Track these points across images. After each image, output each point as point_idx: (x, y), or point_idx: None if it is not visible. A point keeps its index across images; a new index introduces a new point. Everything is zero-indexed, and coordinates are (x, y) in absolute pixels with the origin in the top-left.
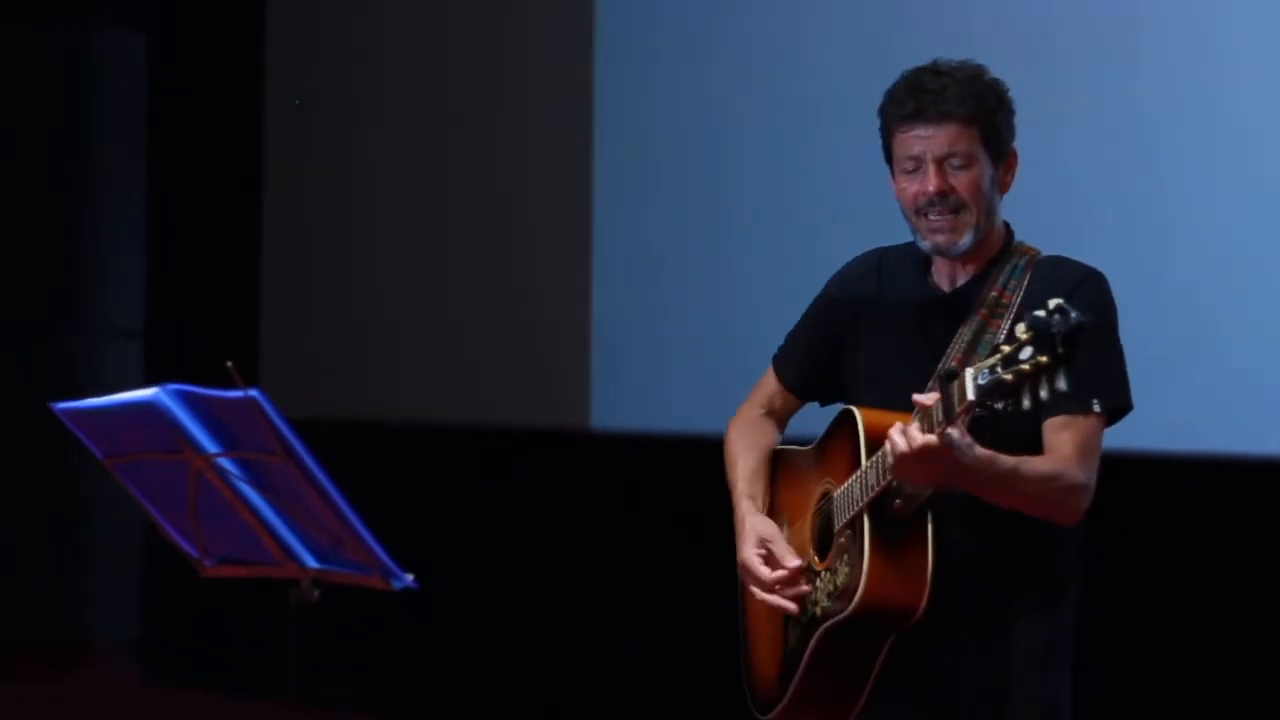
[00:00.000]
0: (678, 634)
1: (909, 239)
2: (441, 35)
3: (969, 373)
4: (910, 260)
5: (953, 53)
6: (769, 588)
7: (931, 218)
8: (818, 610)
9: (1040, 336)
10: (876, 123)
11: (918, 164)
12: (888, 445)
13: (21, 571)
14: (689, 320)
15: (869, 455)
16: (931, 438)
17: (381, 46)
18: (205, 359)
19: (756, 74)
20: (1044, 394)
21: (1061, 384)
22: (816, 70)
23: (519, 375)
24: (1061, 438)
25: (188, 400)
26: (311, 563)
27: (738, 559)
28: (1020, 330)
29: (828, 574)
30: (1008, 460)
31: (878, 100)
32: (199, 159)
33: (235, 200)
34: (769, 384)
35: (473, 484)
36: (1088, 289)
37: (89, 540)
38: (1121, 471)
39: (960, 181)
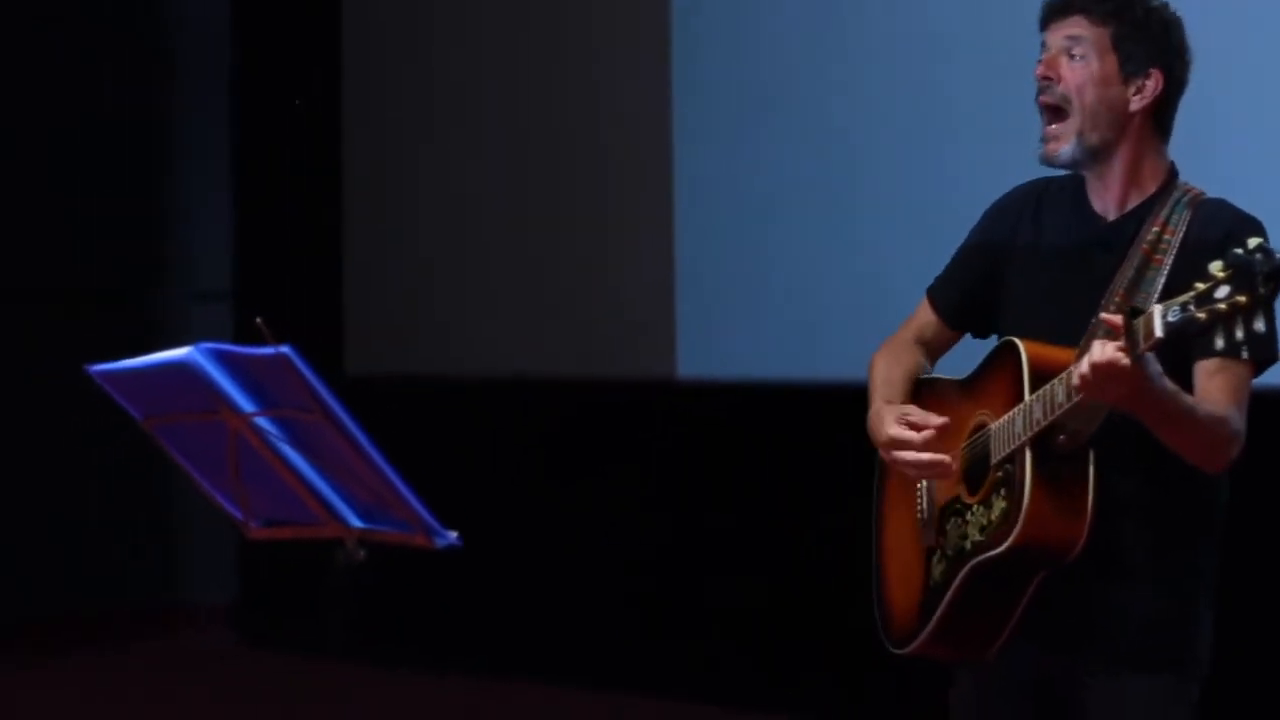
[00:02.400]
0: (768, 583)
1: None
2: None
3: (1157, 309)
4: (1071, 188)
5: None
6: (921, 446)
7: (1045, 129)
8: (967, 544)
9: (1240, 275)
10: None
11: (1045, 53)
12: (1073, 366)
13: (117, 537)
14: (773, 268)
15: (1033, 389)
16: (1124, 358)
17: (462, 5)
18: (293, 318)
19: (837, 16)
20: (1239, 334)
21: (1260, 325)
22: (909, 7)
23: (604, 327)
24: (1215, 382)
25: (222, 359)
26: (356, 522)
27: (879, 441)
28: (1216, 268)
29: (980, 508)
30: (1188, 397)
31: (982, 35)
32: (281, 119)
33: (318, 160)
34: (922, 314)
35: (558, 437)
36: (1248, 233)
37: (183, 504)
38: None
39: (1070, 73)
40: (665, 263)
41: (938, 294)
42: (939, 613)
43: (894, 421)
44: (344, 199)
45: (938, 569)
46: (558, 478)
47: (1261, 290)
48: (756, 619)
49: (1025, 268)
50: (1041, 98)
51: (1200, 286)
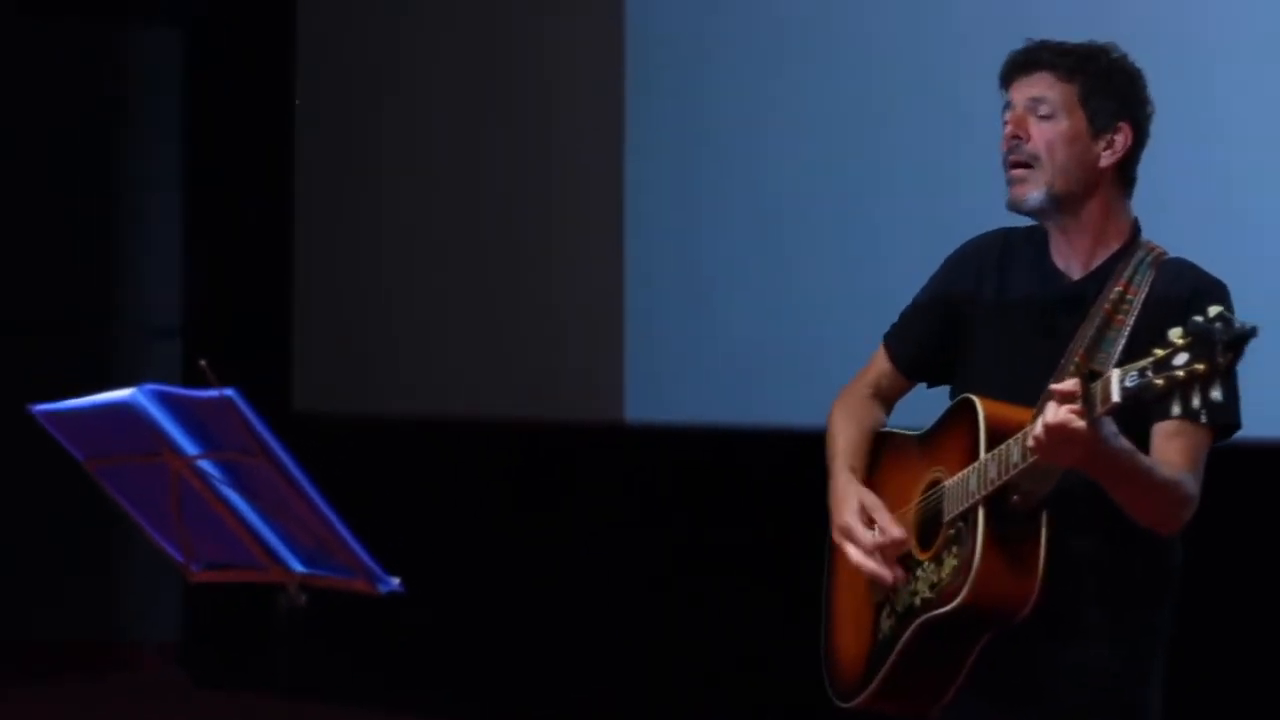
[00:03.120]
0: (711, 628)
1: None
2: (475, 30)
3: (1115, 374)
4: (1035, 242)
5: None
6: (869, 551)
7: (1010, 170)
8: (917, 600)
9: (1200, 343)
10: (922, 120)
11: (1010, 113)
12: (1029, 427)
13: (62, 571)
14: (722, 313)
15: (989, 447)
16: (1079, 420)
17: (415, 39)
18: (241, 355)
19: (791, 65)
20: (1196, 402)
21: (1216, 394)
22: (855, 59)
23: (552, 370)
24: (1173, 445)
25: (165, 400)
26: (297, 566)
27: (835, 524)
28: (1176, 335)
29: (931, 565)
30: (1144, 458)
31: (928, 93)
32: (233, 156)
33: (268, 197)
34: (878, 363)
35: (504, 479)
36: (1211, 299)
37: (128, 539)
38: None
39: (1040, 132)
40: (615, 306)
41: (895, 344)
42: (886, 668)
43: (855, 511)
44: (295, 236)
45: (886, 624)
46: (504, 520)
47: (1220, 360)
48: (702, 665)
49: (987, 323)
50: (1011, 157)
51: (1159, 353)
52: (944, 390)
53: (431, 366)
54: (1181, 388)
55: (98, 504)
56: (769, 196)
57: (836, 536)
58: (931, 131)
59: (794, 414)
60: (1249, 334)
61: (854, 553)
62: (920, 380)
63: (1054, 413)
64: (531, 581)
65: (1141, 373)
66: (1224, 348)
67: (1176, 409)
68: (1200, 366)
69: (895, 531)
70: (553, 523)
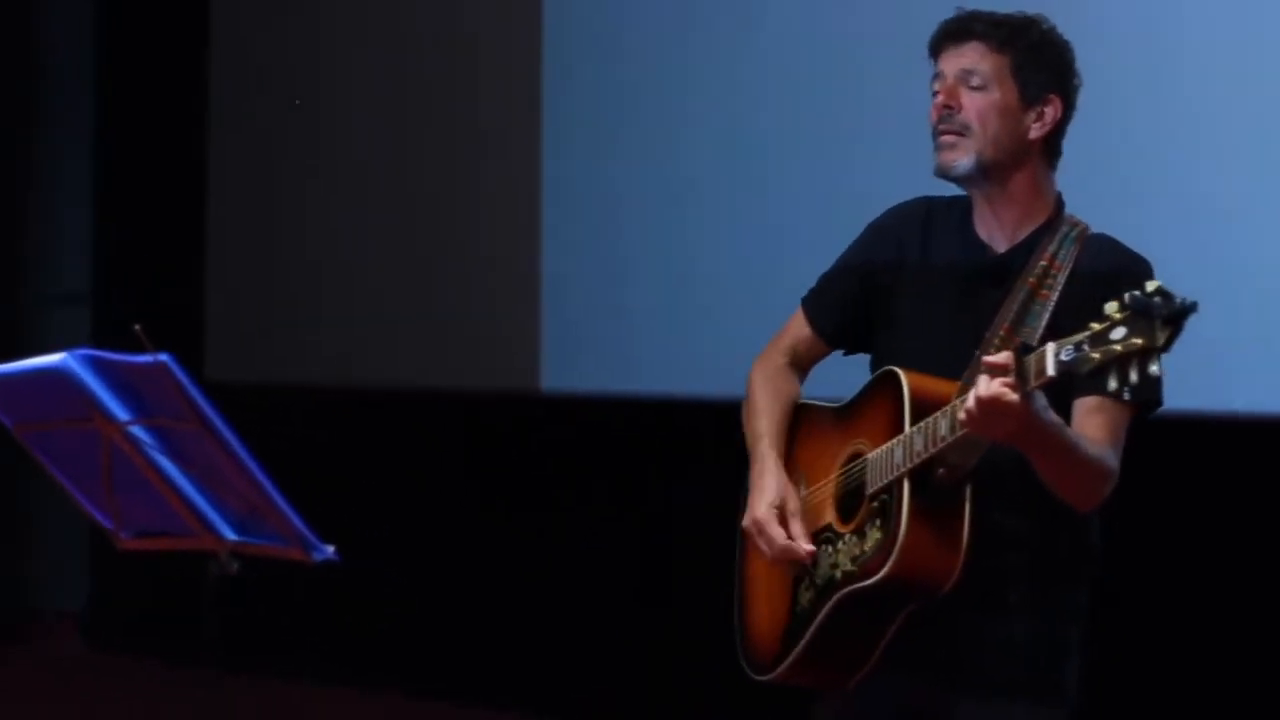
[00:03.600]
0: (629, 600)
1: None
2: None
3: (1050, 347)
4: (957, 212)
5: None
6: (779, 553)
7: (939, 138)
8: (838, 574)
9: (1138, 318)
10: (837, 90)
11: (941, 83)
12: (957, 399)
13: None
14: (637, 284)
15: (914, 420)
16: (1011, 394)
17: (334, 12)
18: (153, 321)
19: (712, 37)
20: (1134, 376)
21: (1155, 368)
22: (774, 33)
23: (469, 339)
24: (1095, 420)
25: (97, 366)
26: (229, 534)
27: (749, 514)
28: (1112, 309)
29: (853, 537)
30: (1071, 432)
31: (844, 65)
32: (146, 120)
33: (181, 162)
34: (797, 328)
35: (420, 448)
36: (1134, 277)
37: (34, 509)
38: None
39: (971, 101)
40: (532, 276)
41: (814, 310)
42: (804, 641)
43: (771, 506)
44: (208, 202)
45: (805, 596)
46: (419, 488)
47: (1160, 335)
48: (616, 635)
49: (909, 293)
50: (942, 126)
51: (1095, 326)
52: (843, 357)
53: (346, 336)
54: (1119, 362)
55: (3, 474)
56: (684, 169)
57: (748, 526)
58: (836, 107)
59: (705, 383)
60: (1189, 309)
61: (763, 546)
62: (839, 347)
63: (986, 386)
64: (447, 549)
65: (1078, 346)
66: (1163, 322)
67: (1112, 384)
68: (1139, 341)
69: (801, 550)
70: (468, 490)
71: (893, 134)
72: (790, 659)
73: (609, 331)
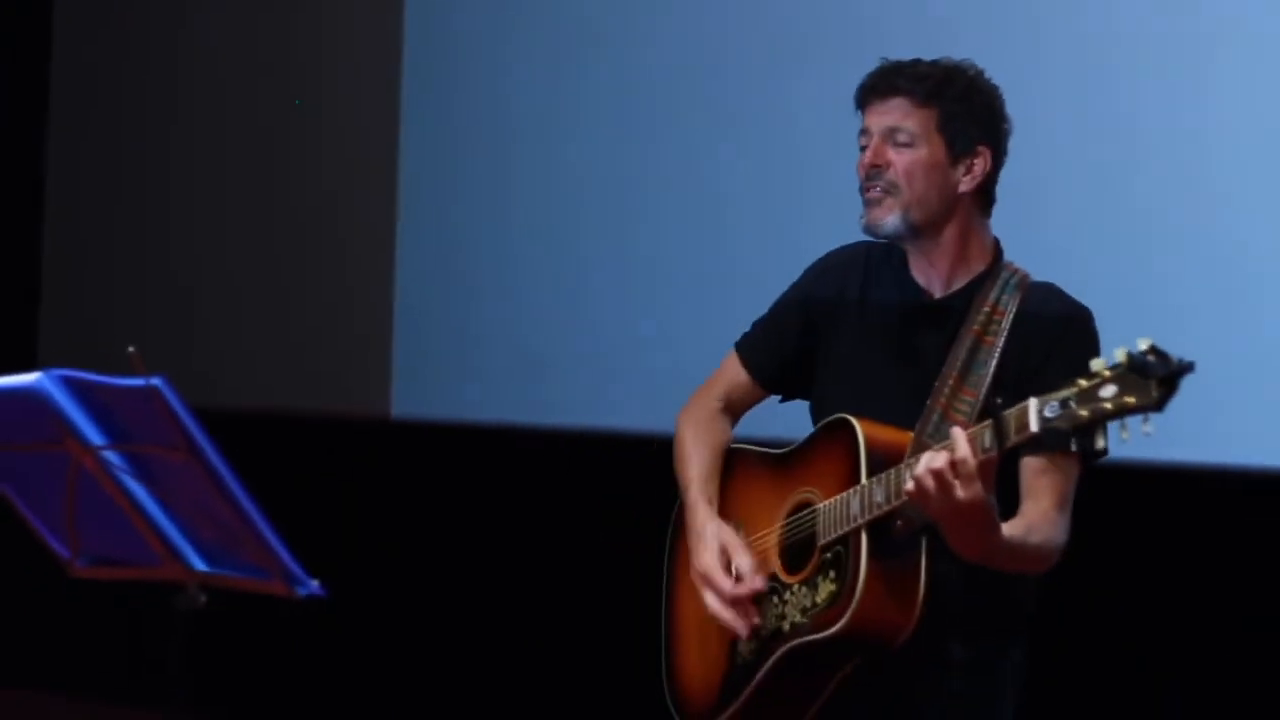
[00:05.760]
0: (478, 628)
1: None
2: (252, 17)
3: (1033, 403)
4: (896, 257)
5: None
6: (727, 601)
7: (867, 194)
8: (785, 625)
9: (1130, 376)
10: (699, 115)
11: (868, 139)
12: (921, 464)
13: None
14: (490, 313)
15: (870, 471)
16: (978, 490)
17: (189, 16)
18: None
19: (561, 68)
20: (1124, 436)
21: (1147, 428)
22: (630, 61)
23: (319, 363)
24: (1041, 483)
25: (74, 387)
26: (199, 565)
27: (694, 564)
28: (1099, 365)
29: (802, 588)
30: (1018, 534)
31: (695, 93)
32: None
33: (17, 170)
34: (731, 373)
35: (272, 472)
36: (1079, 325)
37: None
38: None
39: (899, 158)
40: (384, 302)
41: (749, 354)
42: (745, 694)
43: (715, 553)
44: (45, 220)
45: (746, 647)
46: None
47: (1155, 394)
48: (467, 666)
49: (848, 336)
50: (869, 183)
51: (1083, 384)
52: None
53: (194, 355)
54: (1108, 420)
55: None
56: (545, 196)
57: (695, 579)
58: (703, 125)
59: (564, 414)
60: (1185, 369)
61: (712, 600)
62: (776, 393)
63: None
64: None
65: (1064, 403)
66: (1159, 383)
67: (1100, 442)
68: (1131, 400)
69: (756, 582)
70: (314, 517)
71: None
72: (730, 710)
73: (462, 360)
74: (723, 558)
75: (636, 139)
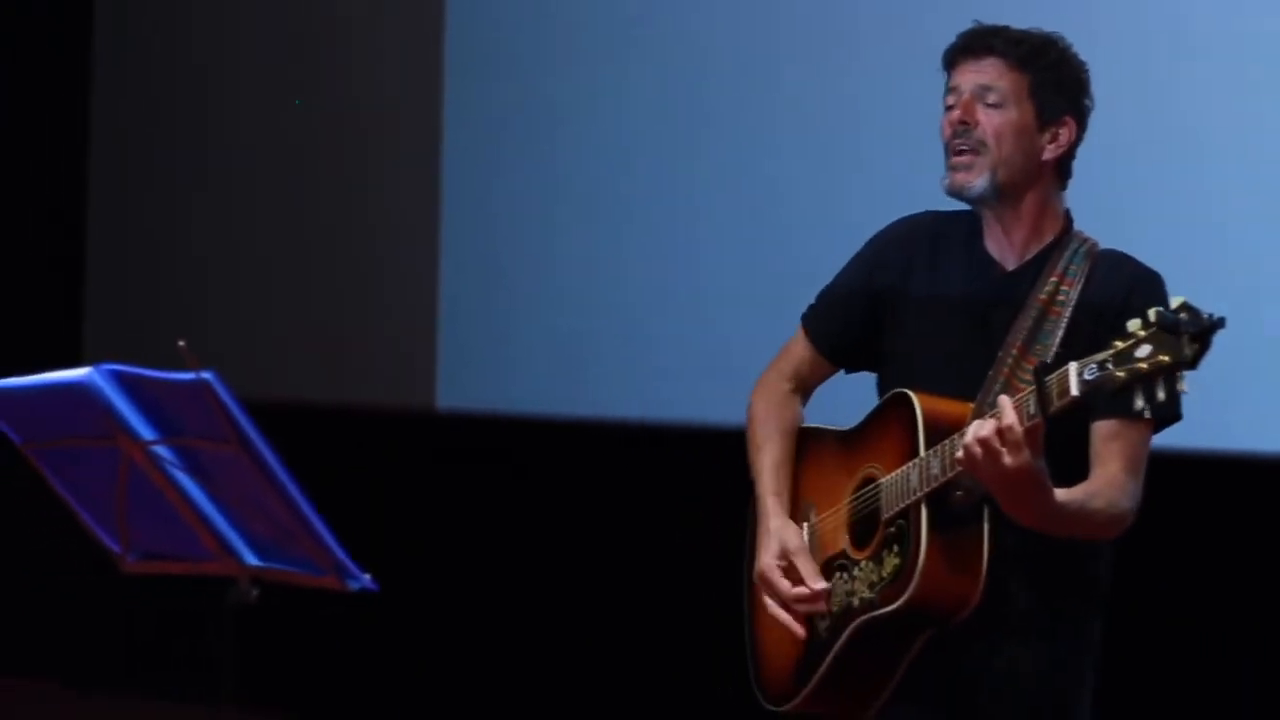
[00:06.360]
0: (529, 619)
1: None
2: (296, 4)
3: (1072, 366)
4: (965, 230)
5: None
6: (785, 603)
7: (953, 156)
8: (855, 601)
9: (1165, 334)
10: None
11: (957, 98)
12: (969, 433)
13: None
14: (534, 304)
15: (927, 443)
16: (1025, 458)
17: (234, 5)
18: (26, 328)
19: (604, 58)
20: (1160, 394)
21: (1182, 385)
22: (673, 50)
23: (364, 356)
24: (1111, 449)
25: (125, 382)
26: (251, 559)
27: (756, 565)
28: (1135, 326)
29: (869, 564)
30: (1076, 500)
31: (739, 80)
32: (23, 122)
33: (61, 163)
34: (798, 349)
35: (320, 465)
36: (1147, 289)
37: None
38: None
39: (988, 119)
40: (429, 293)
41: (817, 330)
42: (821, 670)
43: (775, 556)
44: (89, 208)
45: (821, 625)
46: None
47: (1187, 351)
48: (512, 658)
49: (916, 312)
50: (957, 142)
51: (1119, 344)
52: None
53: (240, 348)
54: (1145, 380)
55: None
56: (587, 187)
57: (756, 579)
58: (748, 113)
59: (609, 406)
60: (1217, 324)
61: (770, 602)
62: (844, 366)
63: (990, 424)
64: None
65: (1101, 365)
66: (1190, 339)
67: (1138, 402)
68: (1165, 358)
69: (817, 585)
70: (361, 510)
71: (815, 142)
72: (807, 689)
73: (507, 351)
74: (783, 559)
75: (679, 128)
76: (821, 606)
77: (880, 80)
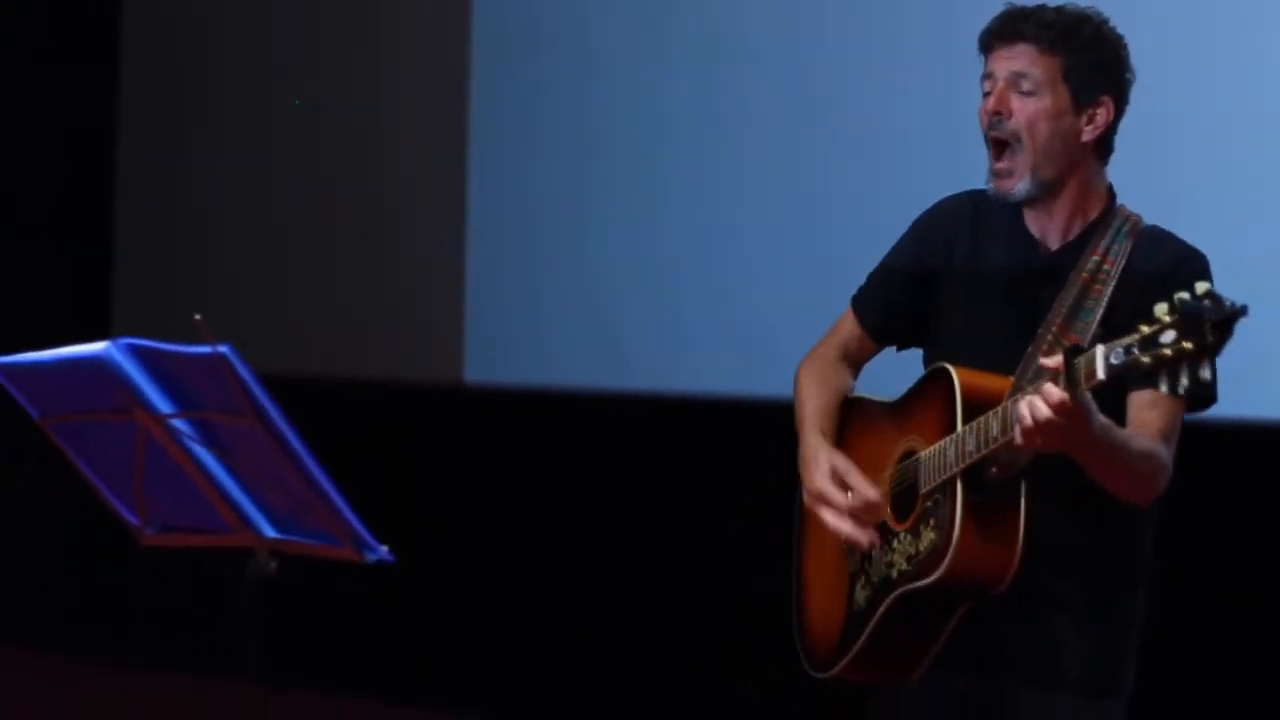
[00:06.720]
0: (552, 591)
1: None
2: None
3: (1100, 350)
4: (1007, 209)
5: None
6: (843, 513)
7: (994, 161)
8: (894, 572)
9: (1188, 322)
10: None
11: (992, 84)
12: (1016, 410)
13: None
14: (561, 278)
15: (965, 418)
16: (1066, 397)
17: None
18: (53, 312)
19: (637, 34)
20: (1184, 380)
21: (1206, 373)
22: (710, 27)
23: (392, 329)
24: (1149, 416)
25: (142, 356)
26: (269, 531)
27: (807, 488)
28: (1161, 311)
29: (908, 536)
30: (1121, 431)
31: (775, 61)
32: (53, 107)
33: (92, 144)
34: (846, 326)
35: (340, 438)
36: (1190, 268)
37: None
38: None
39: (1022, 108)
40: (456, 264)
41: (864, 309)
42: (861, 639)
43: (827, 475)
44: (117, 186)
45: (861, 594)
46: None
47: (1210, 339)
48: (536, 633)
49: (960, 292)
50: (992, 133)
51: (1145, 329)
52: (902, 356)
53: (270, 323)
54: (1169, 365)
55: None
56: (617, 159)
57: (809, 501)
58: (785, 92)
59: (635, 378)
60: (1239, 313)
61: (829, 516)
62: (891, 344)
63: (1037, 407)
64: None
65: (1128, 350)
66: (1213, 327)
67: (1163, 387)
68: (1189, 345)
69: (870, 493)
70: (387, 483)
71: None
72: (848, 657)
73: (536, 325)
74: (835, 478)
75: (715, 103)
76: (880, 515)
77: (922, 62)
